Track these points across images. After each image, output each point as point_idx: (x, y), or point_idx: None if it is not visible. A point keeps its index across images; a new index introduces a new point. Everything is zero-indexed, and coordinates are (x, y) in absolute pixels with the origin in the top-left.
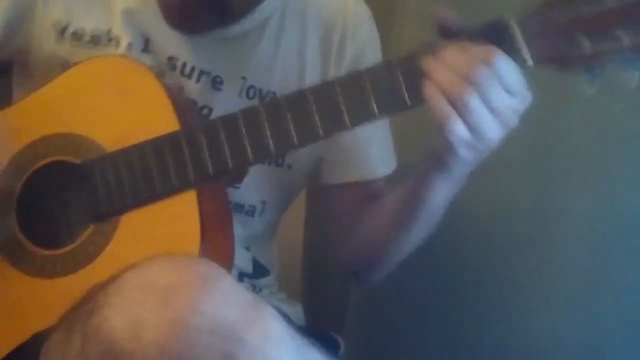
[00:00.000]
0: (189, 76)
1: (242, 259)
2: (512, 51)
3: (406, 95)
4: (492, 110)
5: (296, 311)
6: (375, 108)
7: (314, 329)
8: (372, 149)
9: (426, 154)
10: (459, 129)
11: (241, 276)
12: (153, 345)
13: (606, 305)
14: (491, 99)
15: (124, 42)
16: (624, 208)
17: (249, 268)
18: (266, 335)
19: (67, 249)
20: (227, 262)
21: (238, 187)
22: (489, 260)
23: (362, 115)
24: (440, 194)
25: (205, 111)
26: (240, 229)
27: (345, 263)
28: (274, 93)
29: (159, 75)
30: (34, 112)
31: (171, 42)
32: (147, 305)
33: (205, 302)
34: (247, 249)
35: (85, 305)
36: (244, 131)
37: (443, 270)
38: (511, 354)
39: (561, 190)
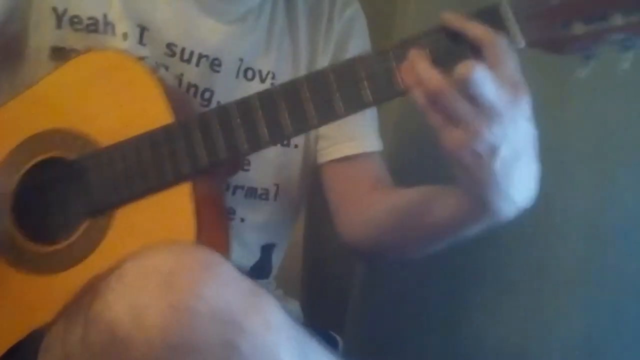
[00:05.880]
0: (188, 61)
1: (245, 256)
2: (504, 34)
3: (400, 80)
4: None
5: (294, 308)
6: (370, 95)
7: (312, 327)
8: (363, 124)
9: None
10: (451, 134)
11: None
12: (154, 330)
13: (606, 305)
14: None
15: (119, 30)
16: (624, 208)
17: (247, 266)
18: (267, 323)
19: (63, 244)
20: (223, 254)
21: (247, 170)
22: (489, 260)
23: (356, 103)
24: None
25: (207, 94)
26: (256, 214)
27: (348, 244)
28: (273, 73)
29: (153, 70)
30: (29, 108)
31: (170, 29)
32: (148, 291)
33: (207, 287)
34: (271, 246)
35: (86, 296)
36: (238, 121)
37: (443, 270)
38: (511, 353)
39: (561, 190)
